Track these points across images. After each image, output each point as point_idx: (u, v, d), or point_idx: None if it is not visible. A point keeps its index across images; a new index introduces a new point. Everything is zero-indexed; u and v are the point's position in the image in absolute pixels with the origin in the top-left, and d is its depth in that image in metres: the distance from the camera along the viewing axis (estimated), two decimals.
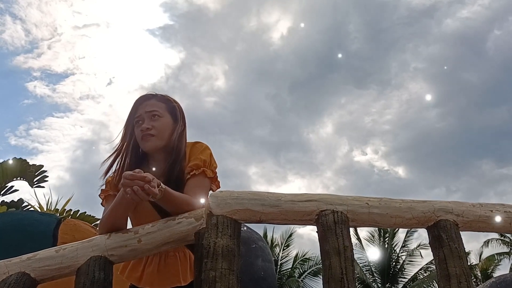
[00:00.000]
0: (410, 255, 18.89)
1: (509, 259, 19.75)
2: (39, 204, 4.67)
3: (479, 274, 19.17)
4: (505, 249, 20.14)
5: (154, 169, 1.62)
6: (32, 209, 4.49)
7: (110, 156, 1.68)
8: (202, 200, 1.51)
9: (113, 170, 1.67)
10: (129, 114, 1.69)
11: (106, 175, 1.66)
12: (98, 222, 3.75)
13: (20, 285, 1.33)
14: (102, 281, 1.34)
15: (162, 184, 1.40)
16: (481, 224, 1.45)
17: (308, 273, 18.19)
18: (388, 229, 18.61)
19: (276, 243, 18.93)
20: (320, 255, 1.34)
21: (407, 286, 18.43)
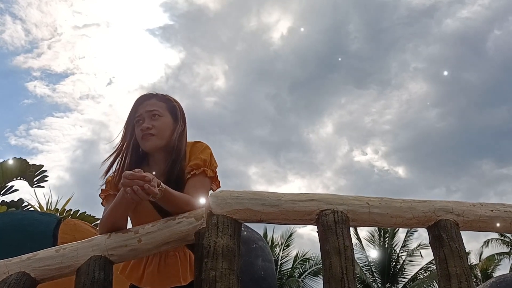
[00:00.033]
0: (410, 255, 18.90)
1: (509, 259, 19.77)
2: (39, 204, 4.67)
3: (479, 274, 19.17)
4: (505, 249, 20.14)
5: (154, 169, 1.62)
6: (32, 209, 4.49)
7: (110, 155, 1.67)
8: (203, 200, 1.51)
9: (113, 170, 1.67)
10: (129, 114, 1.69)
11: (106, 175, 1.66)
12: (98, 222, 3.75)
13: (20, 285, 1.33)
14: (102, 281, 1.34)
15: (162, 183, 1.40)
16: (481, 223, 1.44)
17: (308, 273, 18.19)
18: (388, 229, 18.61)
19: (276, 243, 18.94)
20: (320, 255, 1.34)
21: (407, 286, 18.43)
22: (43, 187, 4.85)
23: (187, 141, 1.70)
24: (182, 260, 1.62)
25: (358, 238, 19.32)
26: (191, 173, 1.59)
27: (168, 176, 1.58)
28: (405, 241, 19.06)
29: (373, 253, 19.26)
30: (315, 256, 18.06)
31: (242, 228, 1.40)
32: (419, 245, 18.70)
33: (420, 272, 18.59)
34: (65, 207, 4.67)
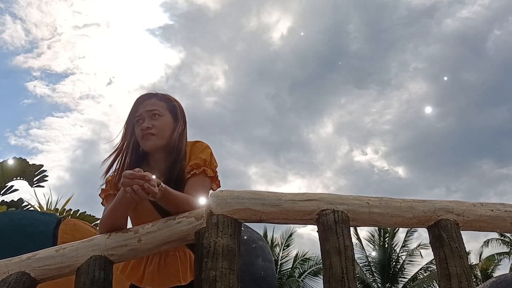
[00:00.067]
0: (410, 255, 18.91)
1: (509, 259, 19.77)
2: (39, 203, 4.67)
3: (479, 274, 19.17)
4: (505, 249, 20.15)
5: (154, 169, 1.62)
6: (32, 208, 4.49)
7: (110, 155, 1.67)
8: (203, 200, 1.50)
9: (113, 170, 1.67)
10: (129, 113, 1.69)
11: (106, 175, 1.66)
12: (98, 221, 3.74)
13: (20, 284, 1.33)
14: (102, 281, 1.33)
15: (162, 183, 1.40)
16: (481, 223, 1.44)
17: (308, 273, 18.19)
18: (388, 229, 18.61)
19: (276, 243, 18.94)
20: (320, 254, 1.34)
21: (407, 286, 18.43)
22: (43, 187, 4.85)
23: (187, 140, 1.70)
24: (182, 259, 1.62)
25: (358, 238, 19.34)
26: (191, 172, 1.59)
27: (168, 175, 1.58)
28: (405, 241, 19.07)
29: (373, 253, 19.27)
30: (315, 256, 18.08)
31: (242, 228, 1.40)
32: (419, 245, 18.73)
33: (420, 272, 18.60)
34: (65, 207, 4.67)
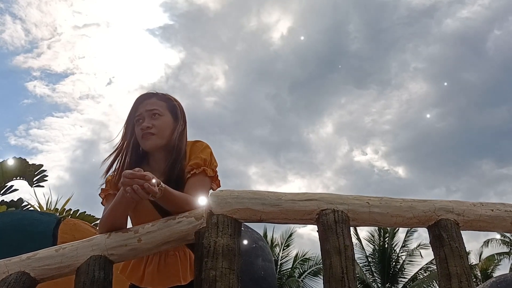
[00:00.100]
0: (410, 255, 18.91)
1: (509, 259, 19.77)
2: (39, 203, 4.67)
3: (479, 274, 19.17)
4: (505, 249, 20.15)
5: (154, 168, 1.62)
6: (31, 208, 4.48)
7: (110, 155, 1.67)
8: (203, 199, 1.50)
9: (113, 169, 1.66)
10: (129, 113, 1.68)
11: (106, 174, 1.66)
12: (98, 221, 3.74)
13: (20, 284, 1.33)
14: (102, 281, 1.33)
15: (161, 183, 1.39)
16: (482, 223, 1.44)
17: (308, 273, 18.19)
18: (388, 229, 18.62)
19: (276, 243, 18.94)
20: (320, 254, 1.34)
21: (407, 286, 18.43)
22: (42, 186, 4.85)
23: (187, 140, 1.70)
24: (182, 259, 1.62)
25: (358, 238, 19.34)
26: (191, 172, 1.59)
27: (168, 175, 1.58)
28: (405, 241, 19.08)
29: (373, 253, 19.27)
30: (315, 256, 18.08)
31: (242, 228, 1.40)
32: (419, 245, 18.73)
33: (420, 272, 18.60)
34: (65, 207, 4.67)
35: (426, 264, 18.42)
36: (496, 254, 20.09)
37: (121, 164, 1.64)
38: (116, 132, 1.71)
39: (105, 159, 1.67)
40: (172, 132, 1.65)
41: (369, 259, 19.32)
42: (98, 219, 3.91)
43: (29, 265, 1.38)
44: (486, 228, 1.47)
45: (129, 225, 1.55)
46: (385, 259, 18.77)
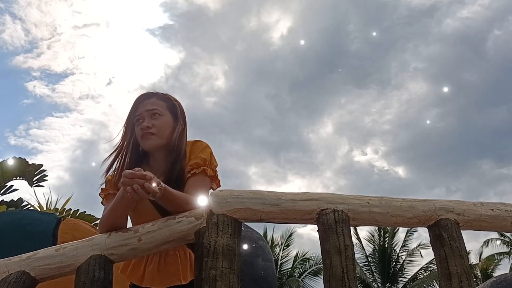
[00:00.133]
0: (410, 255, 18.92)
1: (509, 259, 19.78)
2: (39, 203, 4.67)
3: (479, 274, 19.18)
4: (505, 249, 20.16)
5: (154, 168, 1.61)
6: (31, 208, 4.48)
7: (110, 154, 1.67)
8: (203, 199, 1.50)
9: (113, 169, 1.66)
10: (129, 113, 1.68)
11: (106, 174, 1.66)
12: (98, 221, 3.74)
13: (20, 284, 1.33)
14: (102, 280, 1.33)
15: (161, 182, 1.39)
16: (482, 223, 1.44)
17: (308, 273, 18.20)
18: (388, 229, 18.63)
19: (276, 242, 18.95)
20: (320, 254, 1.34)
21: (407, 286, 18.44)
22: (42, 186, 4.84)
23: (187, 140, 1.70)
24: (182, 259, 1.62)
25: (358, 238, 19.35)
26: (191, 172, 1.58)
27: (168, 175, 1.58)
28: (405, 241, 19.09)
29: (373, 253, 19.28)
30: (315, 256, 18.09)
31: (242, 228, 1.40)
32: (419, 245, 18.74)
33: (420, 272, 18.61)
34: (65, 207, 4.67)
35: (426, 264, 18.44)
36: (496, 254, 20.10)
37: (121, 164, 1.64)
38: (116, 132, 1.72)
39: (105, 159, 1.67)
40: (172, 132, 1.65)
41: (369, 259, 19.34)
42: (98, 219, 3.91)
43: (29, 264, 1.38)
44: (486, 228, 1.47)
45: (129, 224, 1.55)
46: (385, 259, 18.78)
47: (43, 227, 2.60)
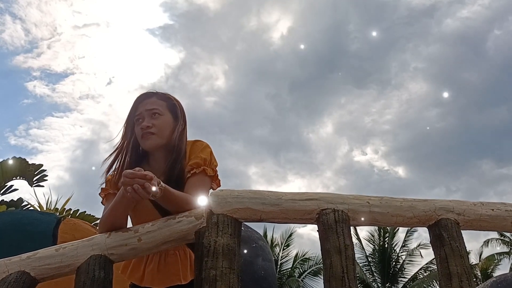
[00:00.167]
0: (410, 255, 18.92)
1: (509, 259, 19.78)
2: (39, 203, 4.67)
3: (479, 274, 19.18)
4: (505, 248, 20.16)
5: (154, 168, 1.61)
6: (31, 208, 4.48)
7: (110, 154, 1.67)
8: (203, 199, 1.50)
9: (113, 169, 1.66)
10: (129, 112, 1.68)
11: (107, 174, 1.66)
12: (98, 221, 3.74)
13: (20, 284, 1.33)
14: (102, 280, 1.33)
15: (162, 182, 1.39)
16: (482, 223, 1.44)
17: (308, 273, 18.20)
18: (388, 229, 18.62)
19: (276, 242, 18.95)
20: (320, 254, 1.34)
21: (407, 286, 18.44)
22: (42, 186, 4.84)
23: (187, 140, 1.70)
24: (182, 259, 1.62)
25: (358, 238, 19.35)
26: (191, 172, 1.58)
27: (168, 175, 1.57)
28: (405, 241, 19.09)
29: (373, 253, 19.28)
30: (315, 256, 18.10)
31: (242, 228, 1.40)
32: (419, 245, 18.75)
33: (420, 272, 18.61)
34: (65, 207, 4.67)
35: (426, 264, 18.44)
36: (496, 254, 20.09)
37: (121, 164, 1.64)
38: (116, 132, 1.72)
39: (106, 158, 1.67)
40: (172, 132, 1.64)
41: (369, 259, 19.34)
42: (98, 218, 3.90)
43: (29, 264, 1.38)
44: (486, 227, 1.47)
45: (129, 224, 1.55)
46: (385, 259, 18.78)
47: (43, 227, 2.59)
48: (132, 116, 1.67)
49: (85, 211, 4.36)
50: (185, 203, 1.46)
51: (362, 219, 1.38)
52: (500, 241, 20.16)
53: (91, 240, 1.42)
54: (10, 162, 4.59)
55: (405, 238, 19.07)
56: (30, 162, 4.69)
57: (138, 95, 1.71)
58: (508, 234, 19.15)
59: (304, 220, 1.38)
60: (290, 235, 18.92)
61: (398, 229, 18.28)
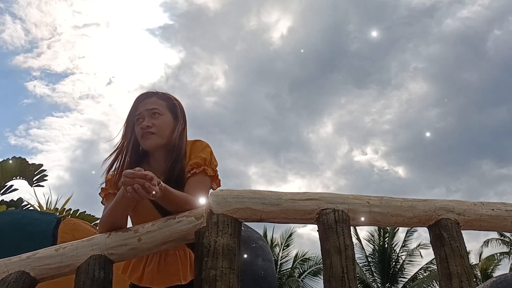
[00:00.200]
0: (410, 255, 18.91)
1: (509, 259, 19.77)
2: (39, 203, 4.67)
3: (479, 274, 19.17)
4: (505, 249, 20.15)
5: (154, 168, 1.61)
6: (31, 208, 4.48)
7: (111, 154, 1.67)
8: (203, 199, 1.50)
9: (114, 169, 1.66)
10: (129, 112, 1.68)
11: (107, 174, 1.66)
12: (98, 221, 3.74)
13: (19, 284, 1.33)
14: (102, 280, 1.33)
15: (162, 182, 1.39)
16: (482, 223, 1.44)
17: (308, 273, 18.20)
18: (388, 229, 18.62)
19: (276, 243, 18.95)
20: (320, 254, 1.34)
21: (407, 286, 18.43)
22: (42, 186, 4.84)
23: (187, 139, 1.69)
24: (182, 259, 1.61)
25: (358, 238, 19.34)
26: (191, 172, 1.58)
27: (168, 175, 1.57)
28: (405, 241, 19.08)
29: (373, 253, 19.28)
30: (315, 256, 18.10)
31: (242, 228, 1.40)
32: (419, 245, 18.74)
33: (420, 272, 18.61)
34: (65, 207, 4.67)
35: (426, 264, 18.43)
36: (496, 254, 20.09)
37: (121, 164, 1.64)
38: (116, 132, 1.71)
39: (106, 158, 1.67)
40: (172, 132, 1.64)
41: (369, 259, 19.33)
42: (98, 218, 3.90)
43: (29, 264, 1.38)
44: (486, 227, 1.46)
45: (129, 224, 1.55)
46: (385, 259, 18.77)
47: (43, 227, 2.59)
48: (132, 116, 1.67)
49: (85, 211, 4.36)
50: (185, 203, 1.46)
51: (362, 219, 1.38)
52: (500, 241, 20.15)
53: (91, 240, 1.42)
54: (10, 162, 4.59)
55: (405, 238, 19.08)
56: (30, 162, 4.69)
57: (138, 95, 1.71)
58: (508, 234, 19.15)
59: (304, 220, 1.38)
60: (290, 235, 18.93)
61: (398, 229, 18.28)
